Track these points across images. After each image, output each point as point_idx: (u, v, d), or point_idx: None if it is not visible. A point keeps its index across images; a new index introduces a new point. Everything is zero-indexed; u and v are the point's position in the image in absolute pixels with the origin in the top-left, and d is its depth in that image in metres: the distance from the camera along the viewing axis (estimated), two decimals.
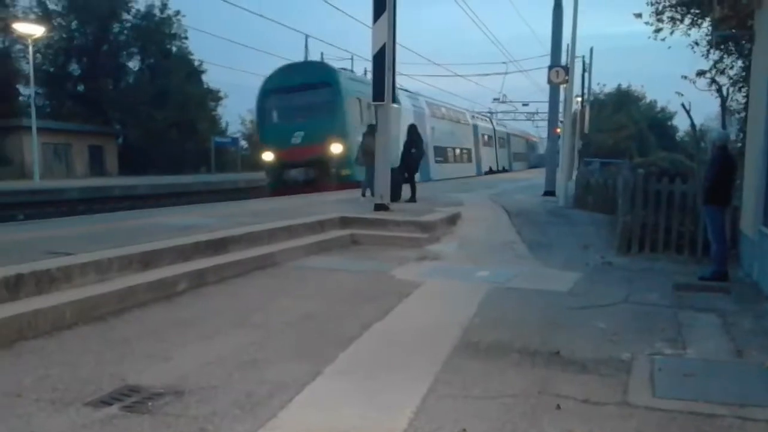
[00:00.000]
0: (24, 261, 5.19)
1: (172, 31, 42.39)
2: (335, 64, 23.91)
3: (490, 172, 37.20)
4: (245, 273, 6.94)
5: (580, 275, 7.61)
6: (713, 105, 22.97)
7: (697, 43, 13.82)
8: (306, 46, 34.52)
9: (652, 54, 55.24)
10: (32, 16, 35.32)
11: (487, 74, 54.07)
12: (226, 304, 5.72)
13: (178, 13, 41.68)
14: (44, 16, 36.33)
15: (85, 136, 36.22)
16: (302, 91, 20.16)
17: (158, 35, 41.83)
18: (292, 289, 6.43)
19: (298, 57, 32.71)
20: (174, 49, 43.21)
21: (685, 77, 12.97)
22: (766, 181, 7.11)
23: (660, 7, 13.63)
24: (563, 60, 17.82)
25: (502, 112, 55.62)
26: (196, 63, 44.00)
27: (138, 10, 41.02)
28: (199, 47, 67.51)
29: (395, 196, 12.52)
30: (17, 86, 36.68)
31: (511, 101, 54.61)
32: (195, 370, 3.94)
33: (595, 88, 53.22)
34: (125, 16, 40.97)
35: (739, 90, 12.82)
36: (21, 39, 31.59)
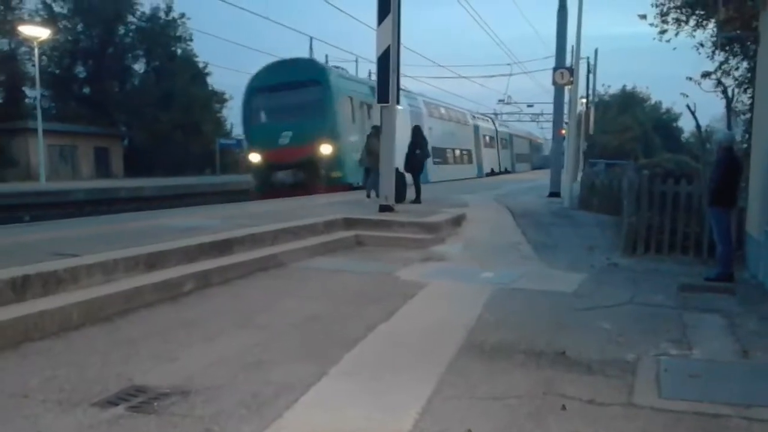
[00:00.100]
0: (30, 262, 5.22)
1: (177, 34, 42.54)
2: (340, 66, 23.71)
3: (492, 173, 36.58)
4: (250, 274, 6.96)
5: (586, 276, 7.60)
6: (718, 106, 22.93)
7: (702, 45, 13.81)
8: (311, 48, 34.63)
9: (657, 55, 55.35)
10: (38, 19, 35.48)
11: (492, 76, 53.84)
12: (231, 305, 5.74)
13: (183, 15, 41.87)
14: (50, 18, 36.49)
15: (91, 137, 36.35)
16: (290, 89, 19.26)
17: (163, 38, 41.95)
18: (297, 290, 6.44)
19: None
20: (179, 51, 43.34)
21: (690, 79, 12.96)
22: None
23: (665, 9, 13.63)
24: (568, 61, 17.79)
25: (506, 113, 55.56)
26: (201, 65, 44.13)
27: (143, 13, 41.23)
28: (204, 49, 67.72)
29: (400, 197, 12.52)
30: (23, 88, 36.86)
31: (515, 102, 54.61)
32: (201, 371, 3.95)
33: (600, 89, 53.10)
34: (130, 18, 41.10)
35: (745, 91, 12.80)
36: (27, 41, 31.74)
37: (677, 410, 3.56)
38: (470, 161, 33.38)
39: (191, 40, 42.89)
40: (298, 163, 18.25)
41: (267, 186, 18.68)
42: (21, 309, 4.54)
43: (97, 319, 4.90)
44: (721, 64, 13.15)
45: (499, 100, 51.43)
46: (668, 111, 64.14)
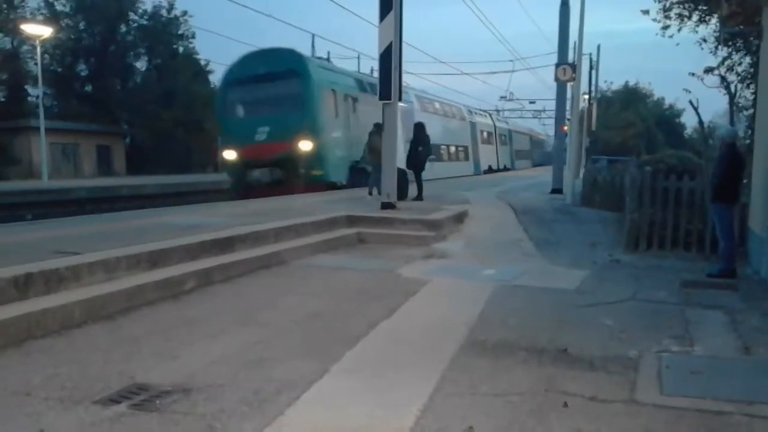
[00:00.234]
0: (33, 260, 5.23)
1: (180, 32, 42.56)
2: (342, 63, 23.35)
3: (490, 171, 35.66)
4: (252, 272, 6.97)
5: (588, 273, 7.59)
6: (721, 102, 22.88)
7: (705, 40, 13.76)
8: (313, 45, 34.55)
9: (659, 51, 54.99)
10: (40, 17, 35.57)
11: (494, 72, 54.15)
12: (233, 302, 5.74)
13: (185, 13, 41.93)
14: (52, 17, 36.58)
15: (93, 135, 36.44)
16: (267, 81, 17.85)
17: (165, 35, 42.01)
18: (299, 287, 6.44)
19: None
20: (181, 49, 43.38)
21: (693, 74, 12.91)
22: None
23: (667, 4, 13.57)
24: (570, 57, 17.77)
25: (509, 110, 55.52)
26: (203, 63, 44.17)
27: (145, 11, 41.29)
28: (206, 47, 67.81)
29: (402, 194, 12.52)
30: (25, 87, 37.01)
31: (518, 99, 54.54)
32: (202, 368, 3.96)
33: (603, 85, 53.10)
34: (132, 16, 41.19)
35: (748, 87, 12.75)
36: (29, 40, 31.85)
37: (679, 407, 3.55)
38: (466, 158, 32.35)
39: (193, 37, 43.04)
40: (276, 161, 17.11)
41: (243, 185, 17.61)
42: (23, 307, 4.55)
43: (99, 317, 4.91)
44: (724, 59, 13.10)
45: (501, 97, 51.41)
46: (671, 107, 63.99)
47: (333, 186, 17.50)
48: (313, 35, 35.00)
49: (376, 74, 13.51)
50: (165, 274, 5.93)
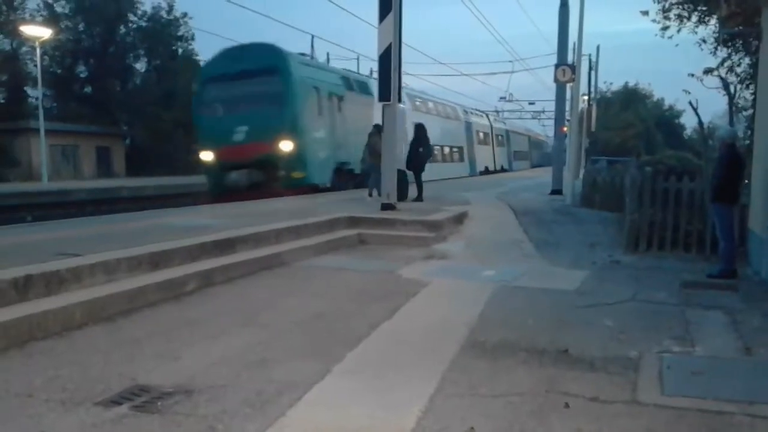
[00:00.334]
0: (33, 262, 5.23)
1: (179, 33, 42.55)
2: (341, 64, 23.27)
3: (487, 172, 35.14)
4: (253, 273, 6.97)
5: (588, 273, 7.60)
6: (721, 103, 22.91)
7: (704, 41, 13.77)
8: (312, 46, 34.59)
9: (659, 52, 55.21)
10: (39, 19, 35.56)
11: (494, 73, 54.19)
12: (235, 303, 5.75)
13: (185, 15, 41.91)
14: (51, 18, 36.55)
15: (93, 137, 36.41)
16: (246, 78, 16.76)
17: (165, 37, 41.98)
18: (300, 288, 6.44)
19: None
20: (180, 50, 43.38)
21: (693, 75, 12.92)
22: None
23: (667, 5, 13.58)
24: (570, 58, 17.79)
25: (508, 111, 55.54)
26: (203, 64, 44.11)
27: (144, 12, 41.27)
28: (205, 48, 67.77)
29: (402, 195, 12.52)
30: (25, 88, 36.99)
31: (517, 100, 54.61)
32: (204, 370, 3.96)
33: (602, 86, 53.21)
34: (132, 17, 41.16)
35: (747, 87, 12.76)
36: (28, 41, 31.83)
37: (680, 407, 3.56)
38: (461, 159, 31.69)
39: (193, 39, 43.00)
40: (255, 162, 16.16)
41: (220, 188, 16.61)
42: (24, 309, 4.55)
43: (99, 319, 4.91)
44: (724, 60, 13.11)
45: (501, 98, 51.42)
46: (671, 108, 64.05)
47: (315, 188, 16.81)
48: (313, 36, 35.16)
49: (375, 74, 13.49)
50: (166, 275, 5.93)
